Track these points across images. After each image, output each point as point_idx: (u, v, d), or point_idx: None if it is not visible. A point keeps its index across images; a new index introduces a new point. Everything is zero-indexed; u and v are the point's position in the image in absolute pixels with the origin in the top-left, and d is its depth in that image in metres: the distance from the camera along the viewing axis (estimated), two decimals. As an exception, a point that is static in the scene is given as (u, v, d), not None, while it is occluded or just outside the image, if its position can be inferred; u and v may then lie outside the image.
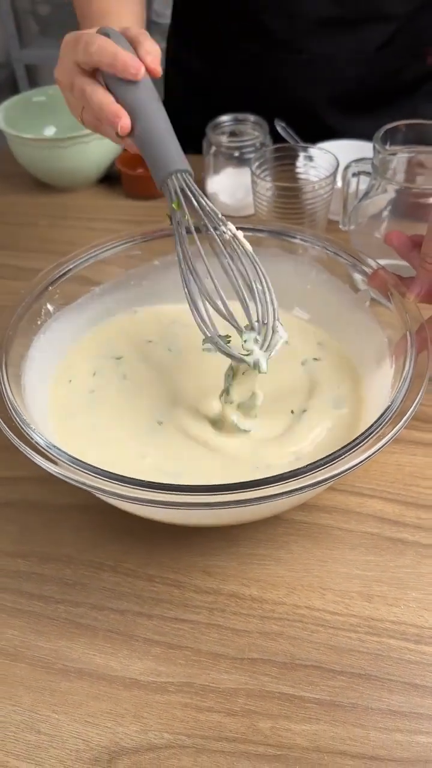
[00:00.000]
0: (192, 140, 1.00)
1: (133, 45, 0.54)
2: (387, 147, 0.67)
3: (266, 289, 0.49)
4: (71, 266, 0.60)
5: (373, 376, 0.54)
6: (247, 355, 0.48)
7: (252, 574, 0.50)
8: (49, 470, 0.44)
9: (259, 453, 0.52)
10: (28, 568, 0.52)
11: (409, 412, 0.45)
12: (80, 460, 0.44)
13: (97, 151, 0.88)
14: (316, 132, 0.89)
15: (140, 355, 0.61)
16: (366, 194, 0.70)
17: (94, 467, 0.43)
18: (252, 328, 0.48)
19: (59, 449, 0.45)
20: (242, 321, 0.49)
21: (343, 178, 0.73)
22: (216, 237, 0.49)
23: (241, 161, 0.83)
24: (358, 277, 0.58)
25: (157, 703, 0.44)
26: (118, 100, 0.52)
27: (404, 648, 0.46)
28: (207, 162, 0.84)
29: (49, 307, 0.58)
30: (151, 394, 0.57)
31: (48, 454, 0.45)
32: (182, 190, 0.50)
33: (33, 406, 0.51)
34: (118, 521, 0.54)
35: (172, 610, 0.49)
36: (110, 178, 0.94)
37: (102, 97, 0.52)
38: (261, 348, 0.48)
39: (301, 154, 0.80)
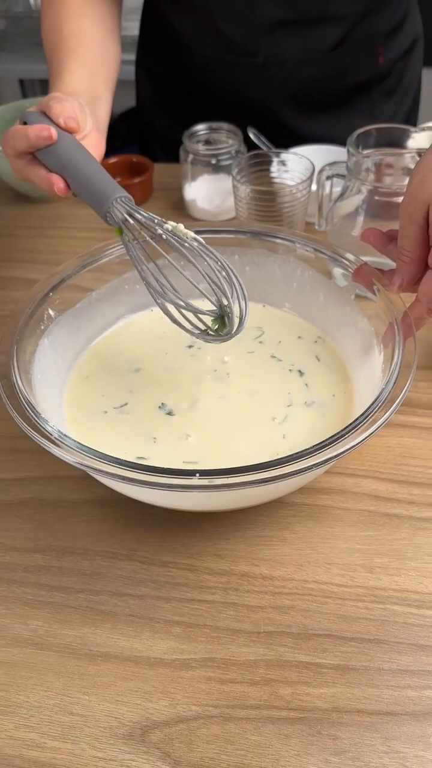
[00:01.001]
0: (164, 145, 1.03)
1: (45, 112, 0.59)
2: (360, 150, 0.71)
3: (231, 275, 0.52)
4: (69, 273, 0.62)
5: (362, 365, 0.58)
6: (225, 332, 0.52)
7: (260, 555, 0.53)
8: (65, 459, 0.46)
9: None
10: (46, 562, 0.54)
11: (400, 396, 0.49)
12: (95, 449, 0.46)
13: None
14: (277, 132, 0.93)
15: (154, 354, 0.64)
16: (341, 195, 0.74)
17: (116, 458, 0.46)
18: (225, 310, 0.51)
19: (77, 442, 0.47)
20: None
21: (318, 181, 0.77)
22: (173, 241, 0.52)
23: (217, 168, 0.87)
24: (338, 271, 0.62)
25: (183, 678, 0.47)
26: (49, 164, 0.57)
27: (408, 613, 0.49)
28: (185, 170, 0.87)
29: (51, 312, 0.60)
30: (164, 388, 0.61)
31: (63, 444, 0.47)
32: (125, 214, 0.53)
33: (45, 405, 0.53)
34: (130, 513, 0.56)
35: (188, 592, 0.51)
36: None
37: (36, 173, 0.58)
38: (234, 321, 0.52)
39: (275, 160, 0.84)
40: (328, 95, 0.95)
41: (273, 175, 0.84)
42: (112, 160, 0.93)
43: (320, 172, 0.76)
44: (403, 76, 1.00)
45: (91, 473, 0.47)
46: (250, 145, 0.89)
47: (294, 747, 0.43)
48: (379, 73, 0.97)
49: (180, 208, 0.92)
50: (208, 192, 0.88)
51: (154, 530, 0.55)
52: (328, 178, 0.76)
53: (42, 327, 0.59)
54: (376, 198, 0.72)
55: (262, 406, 0.58)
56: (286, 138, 0.91)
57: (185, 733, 0.44)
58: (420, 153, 0.67)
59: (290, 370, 0.61)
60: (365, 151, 0.71)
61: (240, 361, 0.63)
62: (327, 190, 0.77)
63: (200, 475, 0.44)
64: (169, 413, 0.58)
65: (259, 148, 0.88)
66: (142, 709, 0.45)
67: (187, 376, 0.62)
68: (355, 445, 0.46)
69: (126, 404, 0.59)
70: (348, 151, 0.70)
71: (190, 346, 0.64)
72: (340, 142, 0.81)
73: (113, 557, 0.54)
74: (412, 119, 1.07)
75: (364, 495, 0.57)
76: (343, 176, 0.75)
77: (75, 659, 0.48)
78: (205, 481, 0.44)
